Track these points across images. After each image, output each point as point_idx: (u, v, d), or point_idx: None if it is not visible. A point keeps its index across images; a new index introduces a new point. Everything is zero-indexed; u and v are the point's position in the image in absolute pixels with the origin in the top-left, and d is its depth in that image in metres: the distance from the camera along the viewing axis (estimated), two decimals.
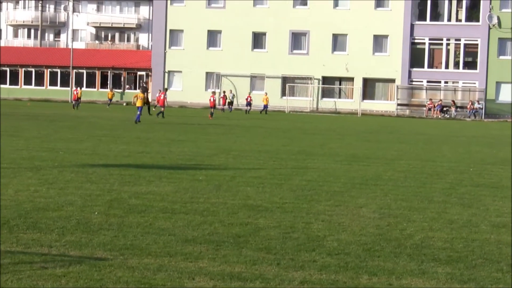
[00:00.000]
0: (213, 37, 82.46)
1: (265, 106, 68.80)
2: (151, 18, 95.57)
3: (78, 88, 65.77)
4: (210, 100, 54.22)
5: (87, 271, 8.40)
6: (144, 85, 59.38)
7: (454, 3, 78.13)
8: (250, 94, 72.90)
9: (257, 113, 65.95)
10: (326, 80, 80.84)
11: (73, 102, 63.55)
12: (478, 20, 77.37)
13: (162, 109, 51.95)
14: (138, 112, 43.06)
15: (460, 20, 78.56)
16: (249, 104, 69.27)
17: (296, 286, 8.16)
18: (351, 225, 11.80)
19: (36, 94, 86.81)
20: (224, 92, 74.18)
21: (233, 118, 53.72)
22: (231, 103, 71.51)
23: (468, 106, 75.66)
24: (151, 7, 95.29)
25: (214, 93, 56.22)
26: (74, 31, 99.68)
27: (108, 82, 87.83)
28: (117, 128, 36.15)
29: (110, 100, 70.08)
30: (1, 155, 20.32)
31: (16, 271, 8.28)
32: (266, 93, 72.93)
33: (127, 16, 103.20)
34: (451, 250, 10.25)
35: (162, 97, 52.98)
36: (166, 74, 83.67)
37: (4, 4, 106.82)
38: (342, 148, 28.45)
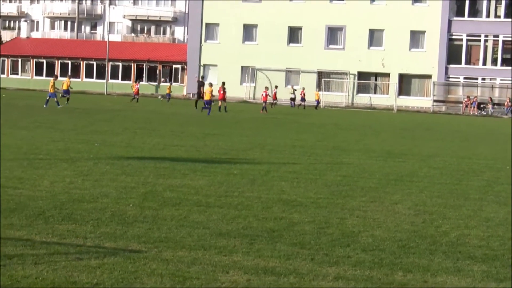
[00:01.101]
0: (249, 31, 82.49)
1: (303, 99, 69.00)
2: (187, 12, 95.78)
3: (139, 82, 66.11)
4: (262, 95, 55.24)
5: (122, 263, 8.42)
6: (201, 79, 59.87)
7: None
8: (303, 89, 72.82)
9: (300, 108, 65.90)
10: (361, 75, 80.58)
11: (134, 96, 63.22)
12: None
13: (224, 103, 51.87)
14: (208, 106, 44.89)
15: (499, 17, 77.84)
16: (303, 99, 69.59)
17: (330, 281, 8.12)
18: (386, 222, 11.72)
19: (72, 86, 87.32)
20: (276, 87, 72.75)
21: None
22: (293, 99, 71.39)
23: (506, 104, 74.98)
24: (187, 1, 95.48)
25: (267, 88, 57.30)
26: (110, 23, 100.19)
27: (144, 74, 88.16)
28: (151, 121, 36.27)
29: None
30: (38, 147, 20.48)
31: (52, 261, 8.32)
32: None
33: (163, 9, 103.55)
34: (487, 248, 10.15)
35: (222, 91, 52.74)
36: (202, 68, 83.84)
37: None
38: (377, 144, 28.32)
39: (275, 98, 68.36)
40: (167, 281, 7.82)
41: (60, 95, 48.24)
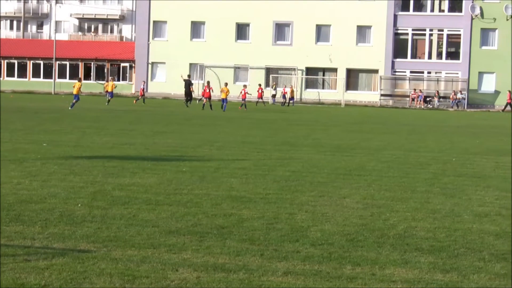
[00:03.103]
0: (196, 28, 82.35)
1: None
2: (134, 9, 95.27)
3: (144, 83, 67.06)
4: (241, 93, 57.30)
5: (71, 263, 8.39)
6: (188, 77, 61.20)
7: None
8: (285, 87, 73.60)
9: (238, 105, 65.91)
10: (309, 71, 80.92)
11: (139, 97, 63.85)
12: (461, 11, 77.60)
13: (206, 100, 54.78)
14: (225, 104, 52.31)
15: (443, 11, 78.77)
16: (284, 96, 71.42)
17: (279, 276, 8.18)
18: (335, 216, 11.82)
19: (19, 86, 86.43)
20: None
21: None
22: (274, 96, 72.66)
23: (451, 96, 75.93)
24: None
25: (245, 86, 59.28)
26: (57, 22, 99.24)
27: (92, 73, 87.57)
28: (100, 120, 36.05)
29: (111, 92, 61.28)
30: None
31: None
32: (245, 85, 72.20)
33: (111, 8, 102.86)
34: (433, 239, 10.30)
35: (207, 90, 55.17)
36: (150, 66, 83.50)
37: None
38: (326, 139, 28.49)
39: (244, 97, 68.03)
40: (117, 281, 7.81)
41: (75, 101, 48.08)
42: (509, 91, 71.97)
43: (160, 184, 14.56)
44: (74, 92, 47.70)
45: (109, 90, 59.59)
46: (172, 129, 31.25)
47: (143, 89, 65.35)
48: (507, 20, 76.09)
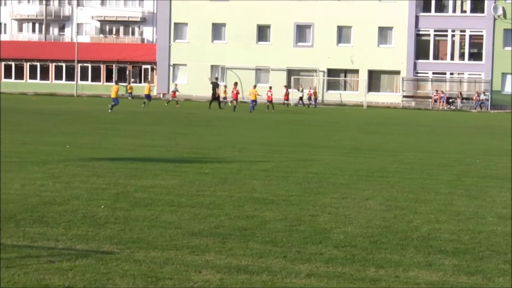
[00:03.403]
0: (217, 30, 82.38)
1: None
2: (155, 12, 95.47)
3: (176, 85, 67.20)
4: (267, 94, 58.81)
5: (94, 264, 8.40)
6: (215, 80, 61.97)
7: None
8: (311, 88, 73.36)
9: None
10: (331, 72, 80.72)
11: (171, 100, 63.80)
12: (483, 11, 77.13)
13: (235, 103, 56.19)
14: (253, 105, 54.25)
15: (465, 11, 78.35)
16: (310, 99, 71.00)
17: (302, 278, 8.15)
18: (358, 218, 11.78)
19: (41, 88, 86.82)
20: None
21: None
22: (301, 98, 72.45)
23: (474, 98, 75.52)
24: (155, 1, 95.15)
25: (270, 88, 59.94)
26: (78, 25, 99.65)
27: (114, 75, 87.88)
28: (121, 122, 36.14)
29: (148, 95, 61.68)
30: (8, 150, 20.33)
31: (23, 265, 8.28)
32: (270, 87, 72.05)
33: (132, 10, 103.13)
34: (457, 242, 10.23)
35: (235, 91, 56.96)
36: (171, 68, 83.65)
37: None
38: (347, 141, 28.42)
39: (270, 98, 67.12)
40: (140, 282, 7.82)
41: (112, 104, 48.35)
42: None
43: (182, 186, 14.56)
44: (112, 95, 47.83)
45: (146, 92, 60.26)
46: (194, 130, 31.27)
47: (175, 91, 65.44)
48: None
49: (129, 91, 71.18)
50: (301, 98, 72.88)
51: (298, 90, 74.32)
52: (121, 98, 77.25)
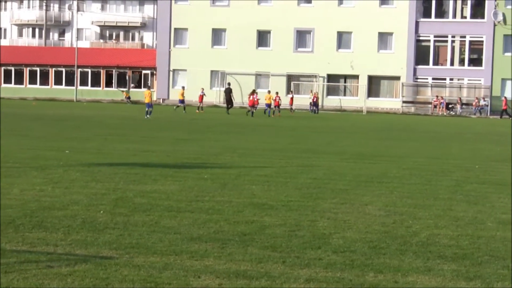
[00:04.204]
0: (217, 36, 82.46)
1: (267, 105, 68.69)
2: (155, 17, 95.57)
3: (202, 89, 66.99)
4: (275, 99, 60.11)
5: (93, 270, 8.40)
6: (228, 85, 62.56)
7: (459, 0, 78.05)
8: (314, 93, 73.23)
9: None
10: (331, 78, 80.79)
11: (199, 105, 63.91)
12: (483, 17, 77.23)
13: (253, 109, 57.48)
14: (268, 109, 57.29)
15: (465, 17, 78.45)
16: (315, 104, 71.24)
17: (301, 284, 8.15)
18: (357, 223, 11.78)
19: (41, 94, 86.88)
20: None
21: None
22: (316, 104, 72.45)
23: (474, 103, 75.57)
24: (155, 6, 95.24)
25: (277, 93, 61.27)
26: (78, 30, 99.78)
27: (113, 80, 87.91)
28: (122, 127, 36.17)
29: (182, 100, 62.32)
30: (7, 155, 20.34)
31: (22, 270, 8.28)
32: (277, 92, 71.47)
33: (132, 15, 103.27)
34: (457, 247, 10.23)
35: (251, 98, 58.28)
36: (171, 73, 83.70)
37: (8, 4, 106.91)
38: (347, 146, 28.43)
39: (257, 103, 66.94)
40: (139, 287, 7.82)
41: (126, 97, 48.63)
42: (505, 98, 72.05)
43: (182, 191, 14.57)
44: (146, 100, 47.91)
45: (180, 98, 60.50)
46: (194, 136, 31.29)
47: (202, 96, 65.25)
48: None
49: (126, 95, 71.12)
50: (313, 103, 73.16)
51: (313, 96, 73.76)
52: (120, 103, 77.38)
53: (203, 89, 68.17)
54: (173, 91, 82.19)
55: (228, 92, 60.76)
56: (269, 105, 58.38)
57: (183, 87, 58.22)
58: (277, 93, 62.44)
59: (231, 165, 19.91)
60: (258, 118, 52.33)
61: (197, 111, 60.75)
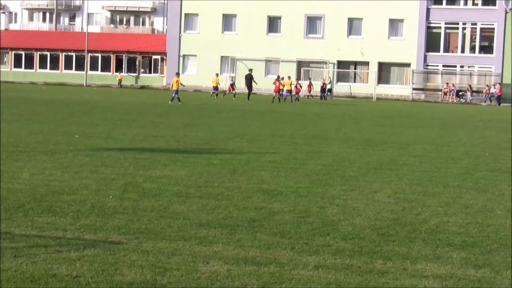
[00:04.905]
0: (228, 21, 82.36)
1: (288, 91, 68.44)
2: (166, 2, 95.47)
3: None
4: (295, 86, 60.97)
5: (102, 254, 8.41)
6: (249, 71, 62.79)
7: None
8: (324, 80, 73.31)
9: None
10: (341, 64, 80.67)
11: (228, 92, 64.23)
12: (494, 4, 76.92)
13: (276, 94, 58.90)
14: (287, 95, 58.48)
15: (477, 4, 78.14)
16: (323, 90, 71.44)
17: (310, 270, 8.14)
18: (366, 210, 11.76)
19: (51, 78, 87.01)
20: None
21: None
22: (330, 90, 72.75)
23: (484, 91, 75.33)
24: None
25: (297, 80, 62.25)
26: (89, 15, 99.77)
27: (123, 65, 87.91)
28: (131, 112, 36.19)
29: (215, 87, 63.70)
30: (17, 139, 20.38)
31: (31, 254, 8.30)
32: (297, 79, 71.28)
33: (142, 0, 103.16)
34: (466, 235, 10.21)
35: (277, 84, 59.19)
36: (181, 58, 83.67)
37: None
38: (357, 133, 28.38)
39: (297, 90, 65.97)
40: (147, 272, 7.82)
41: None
42: (500, 84, 71.93)
43: (191, 177, 14.57)
44: (174, 87, 48.09)
45: (214, 84, 61.31)
46: (203, 122, 31.28)
47: (233, 84, 65.11)
48: None
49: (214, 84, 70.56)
50: (329, 90, 73.74)
51: (327, 82, 74.19)
52: (112, 87, 77.48)
53: (232, 77, 68.89)
54: (182, 77, 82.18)
55: (249, 78, 60.51)
56: (289, 91, 58.51)
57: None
58: (297, 79, 62.63)
59: (240, 150, 19.90)
60: (266, 105, 52.28)
61: (233, 97, 60.75)
